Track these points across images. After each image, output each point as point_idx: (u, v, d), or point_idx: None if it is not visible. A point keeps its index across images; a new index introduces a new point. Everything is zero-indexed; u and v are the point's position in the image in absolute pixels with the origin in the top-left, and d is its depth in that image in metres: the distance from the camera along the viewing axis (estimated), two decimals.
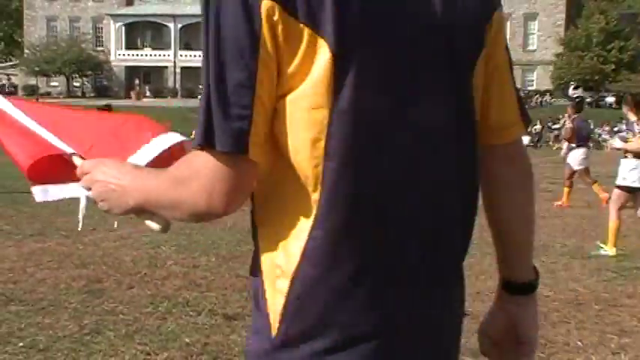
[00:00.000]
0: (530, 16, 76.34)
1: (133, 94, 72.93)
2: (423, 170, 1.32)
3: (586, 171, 14.79)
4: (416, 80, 1.30)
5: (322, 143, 1.24)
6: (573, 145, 14.79)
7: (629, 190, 9.20)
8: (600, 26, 68.44)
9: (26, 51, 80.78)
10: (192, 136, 1.34)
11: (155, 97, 72.86)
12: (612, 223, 9.15)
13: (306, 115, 1.24)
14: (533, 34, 76.81)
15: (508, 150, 1.51)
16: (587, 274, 7.83)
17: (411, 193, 1.31)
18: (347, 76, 1.22)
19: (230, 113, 1.20)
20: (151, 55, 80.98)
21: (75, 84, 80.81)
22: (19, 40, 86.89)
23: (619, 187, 9.28)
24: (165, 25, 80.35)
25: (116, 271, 7.54)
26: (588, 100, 66.67)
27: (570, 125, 14.81)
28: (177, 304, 6.26)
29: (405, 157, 1.30)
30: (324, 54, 1.21)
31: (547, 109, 61.59)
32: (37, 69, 77.18)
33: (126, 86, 76.93)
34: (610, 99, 66.65)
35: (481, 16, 1.38)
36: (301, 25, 1.20)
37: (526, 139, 30.48)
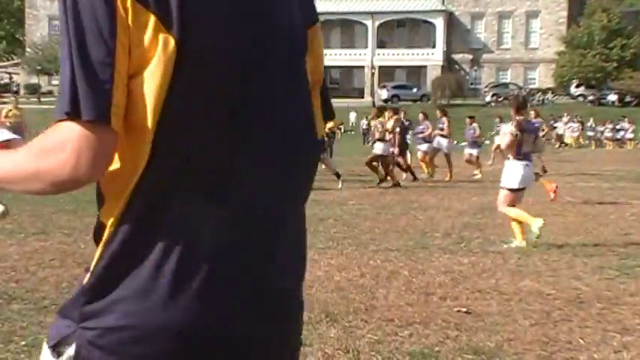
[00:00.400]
0: (532, 14, 76.29)
1: None
2: (269, 153, 1.45)
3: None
4: (257, 71, 1.44)
5: (153, 124, 1.35)
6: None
7: (514, 191, 9.61)
8: (602, 24, 68.36)
9: (28, 50, 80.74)
10: None
11: None
12: (513, 216, 9.55)
13: (146, 97, 1.34)
14: (535, 32, 76.75)
15: None
16: (589, 272, 7.82)
17: (245, 178, 1.42)
18: (189, 64, 1.34)
19: (94, 86, 1.31)
20: None
21: None
22: (21, 38, 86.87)
23: (508, 189, 9.69)
24: None
25: None
26: (590, 98, 66.71)
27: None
28: None
29: (242, 141, 1.42)
30: (168, 42, 1.33)
31: (549, 107, 61.47)
32: (38, 68, 77.11)
33: None
34: (612, 97, 66.56)
35: (304, 23, 1.57)
36: (149, 13, 1.33)
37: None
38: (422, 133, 21.28)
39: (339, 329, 5.58)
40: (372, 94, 70.46)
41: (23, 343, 5.14)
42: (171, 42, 1.33)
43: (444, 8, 76.41)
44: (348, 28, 78.71)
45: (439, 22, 76.01)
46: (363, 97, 72.85)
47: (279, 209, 1.48)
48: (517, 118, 9.73)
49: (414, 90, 70.92)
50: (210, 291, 1.38)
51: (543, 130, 23.12)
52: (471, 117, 23.53)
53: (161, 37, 1.33)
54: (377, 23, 76.85)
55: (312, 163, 1.60)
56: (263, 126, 1.44)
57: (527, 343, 5.31)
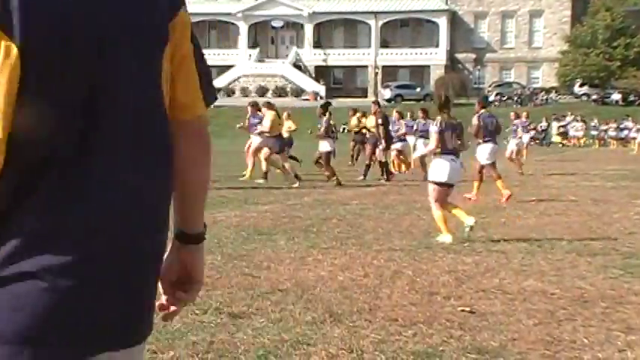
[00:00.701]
0: (535, 13, 76.20)
1: None
2: (122, 142, 1.53)
3: (492, 165, 14.82)
4: (107, 71, 1.50)
5: (4, 133, 1.40)
6: (480, 140, 14.92)
7: (446, 186, 9.81)
8: (606, 23, 68.26)
9: None
10: None
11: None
12: (436, 213, 9.83)
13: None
14: (538, 31, 76.66)
15: (194, 125, 1.78)
16: (593, 271, 7.81)
17: (99, 167, 1.50)
18: (35, 68, 1.39)
19: None
20: None
21: None
22: None
23: (435, 183, 9.87)
24: None
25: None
26: (594, 97, 66.62)
27: (476, 122, 14.88)
28: None
29: (95, 134, 1.49)
30: (10, 50, 1.38)
31: (552, 106, 61.45)
32: None
33: None
34: (616, 96, 66.50)
35: (165, 16, 1.64)
36: None
37: (527, 138, 30.43)
38: (396, 132, 21.45)
39: (342, 329, 5.57)
40: (376, 94, 70.39)
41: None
42: (14, 49, 1.38)
43: (447, 8, 76.36)
44: (351, 28, 78.68)
45: (442, 22, 75.95)
46: (366, 97, 72.76)
47: (133, 196, 1.55)
48: (440, 116, 10.09)
49: (418, 89, 70.88)
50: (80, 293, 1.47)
51: (535, 130, 23.42)
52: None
53: (3, 44, 1.37)
54: (380, 23, 76.80)
55: (163, 144, 1.65)
56: (115, 116, 1.52)
57: (531, 343, 5.30)
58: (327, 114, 18.78)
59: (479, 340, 5.35)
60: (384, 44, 77.22)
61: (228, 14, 78.18)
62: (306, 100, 68.39)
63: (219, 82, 74.58)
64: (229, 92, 70.25)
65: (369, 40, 77.25)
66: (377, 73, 74.57)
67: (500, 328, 5.64)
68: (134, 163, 1.56)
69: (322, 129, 18.48)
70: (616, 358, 5.05)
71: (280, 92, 73.26)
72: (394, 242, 9.51)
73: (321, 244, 9.23)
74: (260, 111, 18.65)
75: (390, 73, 75.22)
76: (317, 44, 78.49)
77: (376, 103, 21.04)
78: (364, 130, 22.28)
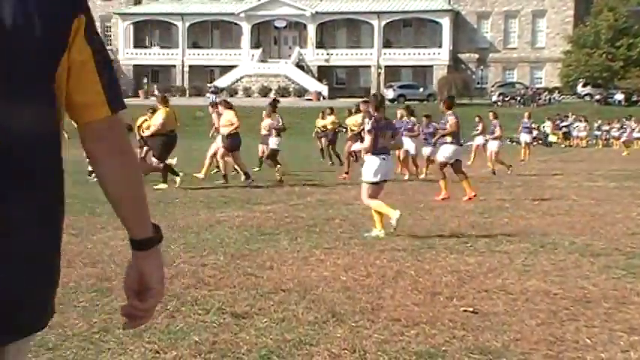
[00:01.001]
0: (538, 14, 76.15)
1: (141, 92, 72.99)
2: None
3: (457, 165, 14.88)
4: None
5: None
6: (448, 140, 14.96)
7: (374, 184, 10.17)
8: (609, 23, 68.17)
9: None
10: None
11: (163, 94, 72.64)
12: (375, 206, 10.14)
13: None
14: (541, 31, 76.60)
15: (96, 128, 1.80)
16: (596, 271, 7.81)
17: None
18: None
19: None
20: (159, 53, 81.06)
21: None
22: None
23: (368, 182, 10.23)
24: (174, 24, 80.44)
25: (124, 269, 7.53)
26: (597, 97, 66.55)
27: (455, 121, 14.88)
28: (185, 303, 6.27)
29: None
30: None
31: (555, 106, 61.38)
32: None
33: (134, 85, 76.98)
34: (619, 96, 66.47)
35: (60, 23, 1.69)
36: None
37: (527, 137, 30.40)
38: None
39: (345, 329, 5.58)
40: None
41: (31, 343, 5.13)
42: None
43: (450, 8, 76.34)
44: (354, 28, 78.68)
45: (445, 22, 75.92)
46: None
47: None
48: (374, 115, 10.36)
49: (421, 89, 70.93)
50: None
51: (537, 130, 23.45)
52: (479, 116, 23.94)
53: None
54: (383, 23, 76.78)
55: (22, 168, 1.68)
56: None
57: (534, 343, 5.30)
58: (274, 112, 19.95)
59: (481, 340, 5.35)
60: (387, 44, 77.21)
61: (231, 14, 78.21)
62: (309, 100, 68.38)
63: (222, 82, 74.72)
64: (232, 92, 70.24)
65: (372, 40, 77.24)
66: (380, 73, 74.55)
67: (503, 329, 5.64)
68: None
69: (279, 125, 19.59)
70: (619, 358, 5.05)
71: (283, 92, 73.24)
72: (397, 242, 9.52)
73: (323, 244, 9.23)
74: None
75: (393, 73, 75.21)
76: (320, 44, 78.49)
77: (365, 102, 21.12)
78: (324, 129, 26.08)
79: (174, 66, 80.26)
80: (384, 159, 10.18)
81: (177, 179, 16.00)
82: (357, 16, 77.59)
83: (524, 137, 30.35)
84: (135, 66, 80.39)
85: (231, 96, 62.78)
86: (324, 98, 69.43)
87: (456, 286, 7.10)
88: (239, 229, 10.31)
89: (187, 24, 79.64)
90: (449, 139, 14.83)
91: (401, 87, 70.99)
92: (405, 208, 13.21)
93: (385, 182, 10.35)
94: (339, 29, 79.16)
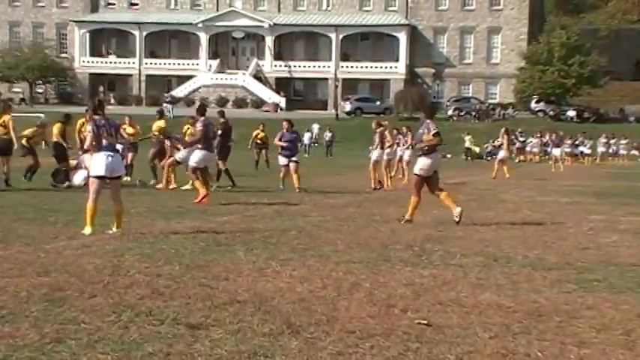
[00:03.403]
0: (493, 30, 77.09)
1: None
2: None
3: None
4: None
5: None
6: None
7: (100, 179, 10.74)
8: (561, 41, 69.14)
9: None
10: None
11: (119, 104, 72.09)
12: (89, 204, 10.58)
13: None
14: (496, 47, 77.52)
15: None
16: (548, 285, 7.91)
17: None
18: None
19: None
20: (115, 62, 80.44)
21: (38, 90, 79.98)
22: None
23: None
24: (131, 33, 79.92)
25: (78, 279, 7.47)
26: (551, 113, 67.56)
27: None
28: (140, 313, 6.22)
29: None
30: None
31: (510, 122, 62.02)
32: None
33: (90, 93, 76.15)
34: (571, 113, 67.56)
35: None
36: None
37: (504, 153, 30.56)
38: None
39: (300, 341, 5.58)
40: (336, 107, 70.64)
41: None
42: None
43: (407, 22, 76.92)
44: (312, 41, 78.90)
45: (402, 37, 76.48)
46: (326, 109, 73.01)
47: None
48: (94, 117, 10.89)
49: (377, 103, 71.34)
50: None
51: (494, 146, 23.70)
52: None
53: None
54: (341, 36, 77.10)
55: None
56: None
57: (487, 356, 5.36)
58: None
59: (435, 353, 5.39)
60: (345, 57, 77.52)
61: (189, 24, 77.94)
62: (267, 111, 68.34)
63: (179, 92, 74.36)
64: (189, 103, 69.90)
65: (330, 53, 77.50)
66: (337, 85, 74.77)
67: (457, 341, 5.68)
68: None
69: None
70: None
71: (240, 103, 73.18)
72: (353, 254, 9.54)
73: (280, 256, 9.22)
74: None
75: (350, 86, 75.52)
76: (278, 56, 78.57)
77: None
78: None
79: (131, 75, 79.69)
80: (109, 155, 10.65)
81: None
82: (315, 29, 77.84)
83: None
84: (91, 74, 79.65)
85: (188, 106, 62.52)
86: (281, 110, 69.46)
87: (411, 298, 7.14)
88: (194, 239, 10.25)
89: (145, 33, 79.17)
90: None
91: (358, 100, 71.36)
92: (360, 220, 13.27)
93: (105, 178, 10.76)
94: (297, 41, 79.31)
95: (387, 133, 22.48)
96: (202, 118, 16.18)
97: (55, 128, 18.90)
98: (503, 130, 30.79)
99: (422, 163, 13.08)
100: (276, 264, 8.67)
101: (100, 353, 5.15)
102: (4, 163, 17.80)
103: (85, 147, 11.54)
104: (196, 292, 7.09)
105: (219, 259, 8.89)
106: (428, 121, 13.58)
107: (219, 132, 19.57)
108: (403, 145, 24.39)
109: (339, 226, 12.43)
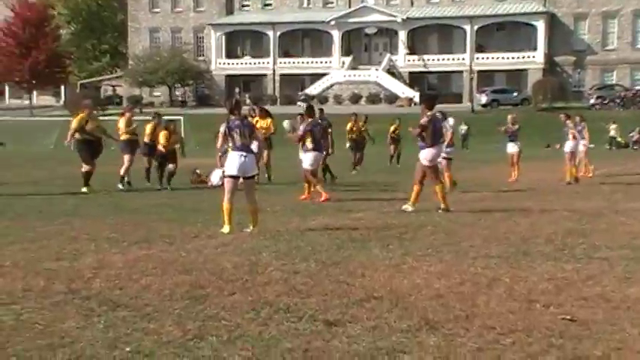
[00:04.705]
0: (639, 13, 73.90)
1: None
2: None
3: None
4: None
5: None
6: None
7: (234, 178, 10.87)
8: None
9: (130, 62, 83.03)
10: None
11: (254, 104, 73.40)
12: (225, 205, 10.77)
13: None
14: None
15: None
16: None
17: None
18: None
19: None
20: (250, 63, 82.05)
21: (177, 93, 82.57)
22: (124, 51, 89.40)
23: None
24: (265, 33, 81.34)
25: (218, 277, 7.63)
26: None
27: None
28: (278, 310, 6.28)
29: None
30: None
31: None
32: (140, 80, 79.20)
33: (226, 94, 78.10)
34: None
35: None
36: None
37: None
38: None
39: (438, 337, 5.50)
40: (471, 99, 69.65)
41: (128, 349, 5.24)
42: None
43: (545, 10, 74.88)
44: (446, 33, 78.00)
45: (540, 25, 74.49)
46: (461, 103, 72.07)
47: None
48: (229, 117, 11.01)
49: (515, 94, 69.85)
50: None
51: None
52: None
53: None
54: (475, 27, 75.91)
55: None
56: None
57: (637, 352, 5.13)
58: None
59: (580, 349, 5.20)
60: (480, 49, 76.28)
61: (322, 22, 78.56)
62: (401, 106, 68.10)
63: (312, 90, 75.13)
64: (322, 100, 70.52)
65: (464, 45, 76.44)
66: (472, 78, 73.68)
67: (604, 337, 5.47)
68: None
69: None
70: None
71: (374, 99, 73.18)
72: (491, 249, 9.35)
73: (416, 252, 9.14)
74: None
75: (485, 77, 74.24)
76: (411, 50, 78.15)
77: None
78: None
79: (266, 75, 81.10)
80: (243, 155, 10.74)
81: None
82: (449, 21, 76.91)
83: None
84: (227, 76, 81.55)
85: (322, 104, 63.01)
86: (415, 104, 69.03)
87: (553, 293, 6.92)
88: (330, 236, 10.30)
89: (278, 33, 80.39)
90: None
91: (494, 92, 70.08)
92: (498, 214, 13.00)
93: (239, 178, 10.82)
94: (430, 35, 78.58)
95: (584, 124, 21.91)
96: (310, 120, 16.06)
97: (148, 128, 19.09)
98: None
99: (430, 154, 13.52)
100: (412, 260, 8.59)
101: (240, 349, 5.22)
102: (130, 163, 18.23)
103: (218, 147, 11.70)
104: (333, 288, 7.11)
105: (355, 255, 8.89)
106: (429, 112, 13.60)
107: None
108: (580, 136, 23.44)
109: (476, 220, 12.22)
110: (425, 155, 13.58)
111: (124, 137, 18.68)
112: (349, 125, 26.09)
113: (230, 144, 10.85)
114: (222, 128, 11.01)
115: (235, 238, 10.22)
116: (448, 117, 18.68)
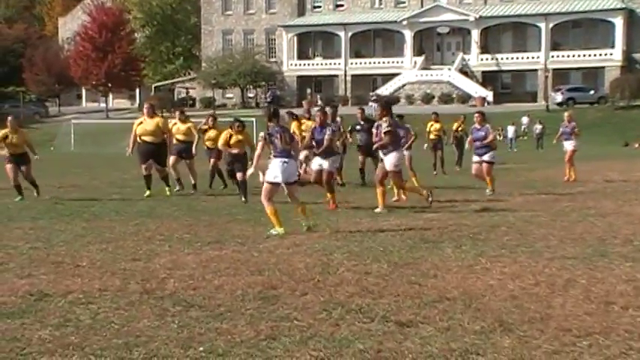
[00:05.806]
0: None
1: (304, 103, 74.27)
2: None
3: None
4: None
5: None
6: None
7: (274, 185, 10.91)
8: None
9: (203, 64, 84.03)
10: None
11: (325, 105, 73.54)
12: (268, 209, 10.81)
13: None
14: None
15: None
16: None
17: None
18: None
19: None
20: (321, 64, 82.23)
21: (249, 95, 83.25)
22: (197, 54, 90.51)
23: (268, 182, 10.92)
24: (336, 34, 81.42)
25: (290, 277, 7.66)
26: None
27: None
28: (350, 311, 6.27)
29: None
30: None
31: None
32: (213, 82, 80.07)
33: (298, 95, 78.41)
34: None
35: None
36: None
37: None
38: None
39: (513, 339, 5.42)
40: (546, 98, 68.52)
41: (201, 349, 5.30)
42: None
43: (623, 6, 73.14)
44: (519, 31, 76.87)
45: (618, 21, 72.75)
46: (535, 102, 70.98)
47: None
48: (268, 124, 11.12)
49: (591, 92, 68.45)
50: None
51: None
52: None
53: None
54: (550, 25, 74.61)
55: None
56: None
57: None
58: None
59: None
60: (555, 47, 74.96)
61: (394, 22, 78.25)
62: (473, 106, 67.42)
63: (384, 90, 74.91)
64: (394, 100, 70.26)
65: (539, 43, 75.20)
66: (547, 76, 72.46)
67: None
68: None
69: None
70: None
71: (446, 99, 72.61)
72: (566, 250, 9.18)
73: (489, 252, 9.03)
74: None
75: (561, 76, 72.91)
76: (484, 49, 77.27)
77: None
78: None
79: (337, 76, 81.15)
80: (284, 162, 10.77)
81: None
82: (523, 19, 75.75)
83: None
84: (298, 77, 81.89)
85: (394, 103, 62.76)
86: (488, 104, 68.24)
87: (632, 295, 6.76)
88: (402, 236, 10.25)
89: (350, 33, 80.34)
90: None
91: (570, 90, 68.77)
92: (574, 214, 12.76)
93: (279, 185, 10.92)
94: (504, 33, 77.53)
95: None
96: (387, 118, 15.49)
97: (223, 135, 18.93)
98: None
99: (395, 159, 13.46)
100: (485, 261, 8.49)
101: (312, 350, 5.23)
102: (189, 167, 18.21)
103: (257, 153, 11.33)
104: (405, 289, 7.07)
105: (427, 256, 8.83)
106: (385, 118, 13.42)
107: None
108: None
109: (552, 221, 12.01)
110: (390, 161, 13.42)
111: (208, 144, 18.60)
112: (455, 125, 27.29)
113: (271, 150, 10.88)
114: (261, 135, 11.08)
115: (307, 238, 10.25)
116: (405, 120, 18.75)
